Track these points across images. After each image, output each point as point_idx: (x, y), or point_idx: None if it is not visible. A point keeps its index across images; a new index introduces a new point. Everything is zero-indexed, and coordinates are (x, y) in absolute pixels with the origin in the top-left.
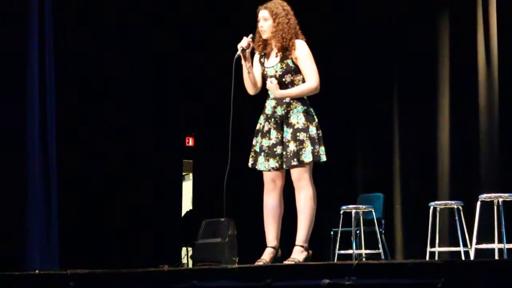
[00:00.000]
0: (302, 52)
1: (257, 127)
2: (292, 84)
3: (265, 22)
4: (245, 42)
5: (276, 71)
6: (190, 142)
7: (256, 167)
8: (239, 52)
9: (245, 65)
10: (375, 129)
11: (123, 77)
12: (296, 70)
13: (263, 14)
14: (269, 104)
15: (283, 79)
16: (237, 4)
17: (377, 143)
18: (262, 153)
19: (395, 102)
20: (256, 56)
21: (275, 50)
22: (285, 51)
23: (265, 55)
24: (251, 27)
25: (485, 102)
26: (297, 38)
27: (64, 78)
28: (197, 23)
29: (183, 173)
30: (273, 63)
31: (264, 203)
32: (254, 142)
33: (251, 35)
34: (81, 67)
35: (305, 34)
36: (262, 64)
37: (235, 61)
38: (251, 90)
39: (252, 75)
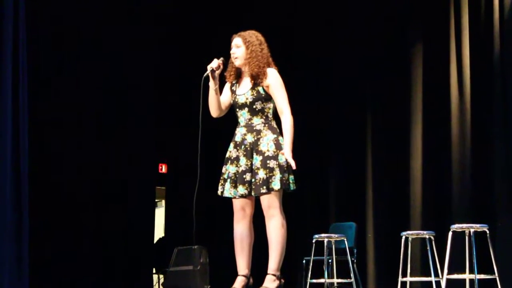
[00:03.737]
0: (274, 81)
1: (227, 155)
2: (263, 111)
3: (237, 49)
4: (215, 63)
5: (247, 98)
6: (163, 168)
7: (224, 194)
8: (208, 72)
9: (212, 85)
10: (347, 158)
11: (98, 100)
12: (267, 98)
13: (236, 41)
14: (239, 131)
15: (254, 106)
16: (213, 32)
17: (349, 172)
18: (229, 180)
19: (368, 132)
20: (227, 84)
21: (247, 78)
22: (257, 78)
23: (237, 83)
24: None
25: (457, 132)
26: (269, 66)
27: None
28: (171, 48)
29: (156, 200)
30: (244, 90)
31: (234, 231)
32: (223, 170)
33: (221, 58)
34: (55, 95)
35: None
36: (233, 92)
37: (203, 81)
38: (214, 112)
39: (218, 96)
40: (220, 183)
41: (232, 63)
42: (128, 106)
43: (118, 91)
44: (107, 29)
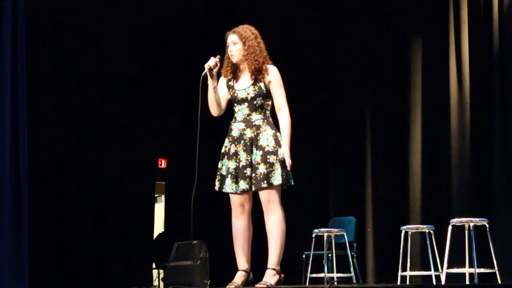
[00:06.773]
0: (275, 78)
1: (223, 150)
2: (262, 107)
3: (234, 46)
4: (212, 61)
5: (248, 94)
6: (163, 163)
7: (224, 190)
8: (206, 71)
9: (211, 84)
10: (347, 153)
11: (97, 97)
12: (267, 94)
13: (232, 38)
14: (237, 127)
15: (254, 102)
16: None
17: (349, 166)
18: (229, 176)
19: (368, 126)
20: (223, 80)
21: (247, 73)
22: (258, 74)
23: (234, 78)
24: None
25: (456, 127)
26: (268, 62)
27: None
28: (170, 46)
29: (155, 195)
30: (245, 85)
31: (233, 227)
32: (219, 165)
33: (218, 56)
34: (53, 92)
35: (275, 61)
36: (231, 87)
37: (202, 80)
38: (214, 111)
39: (217, 95)
40: (217, 179)
41: (228, 58)
42: (127, 102)
43: (118, 87)
44: (107, 29)
